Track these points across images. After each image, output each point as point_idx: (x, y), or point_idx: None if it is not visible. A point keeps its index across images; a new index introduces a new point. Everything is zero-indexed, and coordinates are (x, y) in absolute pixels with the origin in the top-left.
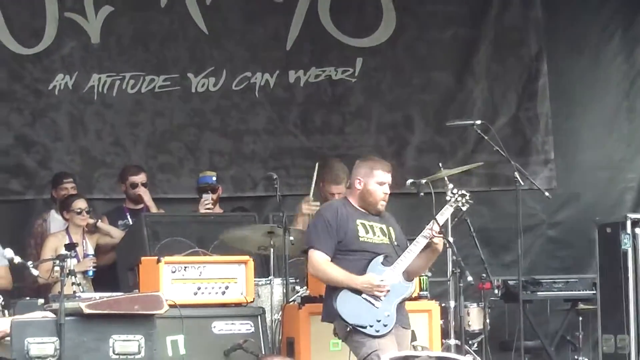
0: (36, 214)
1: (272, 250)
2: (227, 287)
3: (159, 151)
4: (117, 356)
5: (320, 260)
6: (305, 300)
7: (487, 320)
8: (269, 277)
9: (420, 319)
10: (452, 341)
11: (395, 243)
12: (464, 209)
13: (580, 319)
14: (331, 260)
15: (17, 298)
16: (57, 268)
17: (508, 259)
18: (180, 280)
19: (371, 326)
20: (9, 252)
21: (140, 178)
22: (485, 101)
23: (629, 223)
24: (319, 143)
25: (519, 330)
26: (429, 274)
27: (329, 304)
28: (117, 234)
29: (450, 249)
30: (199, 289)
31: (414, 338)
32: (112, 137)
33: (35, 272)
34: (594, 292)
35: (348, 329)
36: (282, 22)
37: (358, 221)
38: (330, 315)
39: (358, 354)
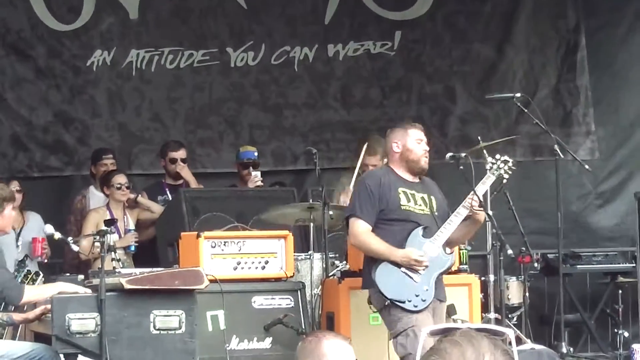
0: (75, 190)
1: (311, 224)
2: (266, 262)
3: (198, 126)
4: (158, 331)
5: (361, 230)
6: (345, 274)
7: (527, 294)
8: (309, 252)
9: (460, 293)
10: (492, 315)
11: (436, 213)
12: (506, 176)
13: (620, 292)
14: (373, 229)
15: (58, 274)
16: (97, 244)
17: (548, 232)
18: (220, 255)
19: (409, 301)
20: (49, 228)
21: (180, 154)
22: (525, 73)
23: None
24: (359, 117)
25: (558, 304)
26: (469, 248)
27: (368, 274)
28: (157, 209)
29: (490, 222)
30: (238, 264)
31: (453, 312)
32: (151, 112)
33: (75, 247)
34: (634, 265)
35: (386, 303)
36: None
37: (400, 189)
38: (368, 284)
39: (393, 328)
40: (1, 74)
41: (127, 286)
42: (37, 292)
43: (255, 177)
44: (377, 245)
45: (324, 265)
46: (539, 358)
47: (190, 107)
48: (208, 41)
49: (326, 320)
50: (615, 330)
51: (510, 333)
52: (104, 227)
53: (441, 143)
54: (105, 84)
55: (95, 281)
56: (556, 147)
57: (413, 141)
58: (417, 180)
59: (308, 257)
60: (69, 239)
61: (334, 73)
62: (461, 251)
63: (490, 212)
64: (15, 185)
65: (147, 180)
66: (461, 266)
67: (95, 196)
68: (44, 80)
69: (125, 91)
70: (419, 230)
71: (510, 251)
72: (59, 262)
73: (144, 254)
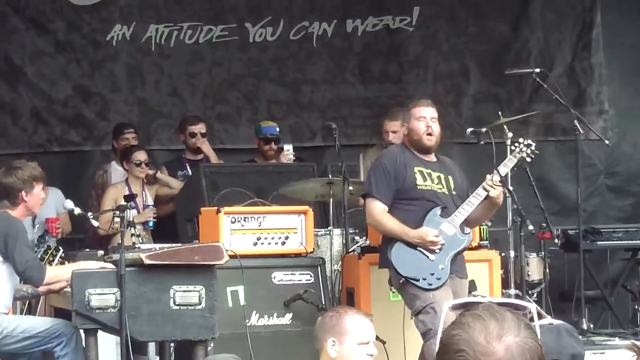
0: (94, 165)
1: (331, 200)
2: (286, 238)
3: (216, 101)
4: (178, 307)
5: (377, 210)
6: (365, 250)
7: (547, 270)
8: (329, 228)
9: (480, 269)
10: (512, 291)
11: (454, 192)
12: (528, 160)
13: None
14: (390, 209)
15: (78, 250)
16: (117, 219)
17: (567, 208)
18: (239, 230)
19: (424, 279)
20: (69, 204)
21: (199, 128)
22: (541, 51)
23: None
24: (377, 92)
25: (578, 280)
26: (489, 224)
27: (384, 253)
28: (176, 184)
29: (510, 198)
30: (258, 239)
31: (474, 288)
32: (170, 87)
33: (95, 223)
34: None
35: (401, 281)
36: None
37: (416, 168)
38: (385, 263)
39: (412, 306)
40: (21, 47)
41: (147, 261)
42: (59, 272)
43: (288, 152)
44: (392, 225)
45: (344, 241)
46: (557, 333)
47: (209, 82)
48: (227, 16)
49: (346, 296)
50: (636, 306)
51: (533, 307)
52: (123, 203)
53: (457, 123)
54: (125, 58)
55: (115, 256)
56: (576, 122)
57: (414, 121)
58: (434, 159)
59: (328, 232)
60: (89, 214)
61: (353, 48)
62: (481, 227)
63: (510, 188)
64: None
65: (166, 155)
66: (481, 242)
67: (116, 171)
68: (63, 55)
69: (145, 66)
70: (436, 210)
71: (531, 227)
72: (79, 238)
73: (163, 230)
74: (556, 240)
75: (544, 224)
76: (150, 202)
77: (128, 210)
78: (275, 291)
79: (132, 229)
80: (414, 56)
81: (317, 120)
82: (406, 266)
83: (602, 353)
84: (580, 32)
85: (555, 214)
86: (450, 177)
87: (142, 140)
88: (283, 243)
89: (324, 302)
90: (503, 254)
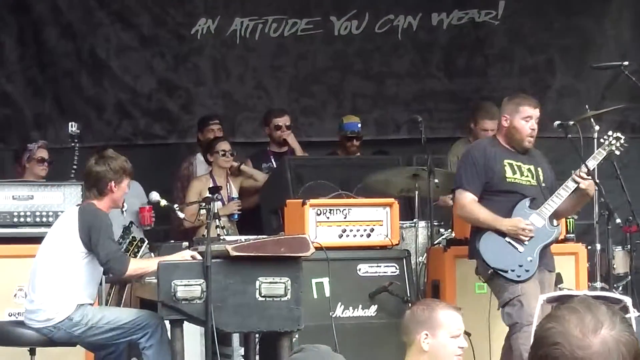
0: (179, 158)
1: (416, 193)
2: (372, 230)
3: (301, 94)
4: (264, 298)
5: (467, 201)
6: (451, 242)
7: (633, 264)
8: (414, 220)
9: (566, 262)
10: (598, 284)
11: (543, 184)
12: (617, 153)
13: None
14: (478, 201)
15: (163, 241)
16: (202, 211)
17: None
18: (325, 222)
19: (512, 270)
20: (155, 195)
21: (284, 120)
22: (617, 46)
23: None
24: (462, 86)
25: None
26: (575, 217)
27: (473, 244)
28: (260, 177)
29: (597, 191)
30: (343, 231)
31: (560, 281)
32: (255, 80)
33: (181, 214)
34: None
35: (490, 272)
36: None
37: (505, 161)
38: (473, 254)
39: (500, 298)
40: (106, 41)
41: (233, 253)
42: (142, 265)
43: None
44: (484, 214)
45: (429, 233)
46: None
47: (294, 75)
48: (312, 10)
49: (431, 289)
50: None
51: (628, 301)
52: (208, 195)
53: (542, 117)
54: (210, 52)
55: (201, 248)
56: None
57: (521, 120)
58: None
59: (413, 225)
60: (175, 206)
61: (438, 41)
62: (568, 220)
63: (597, 181)
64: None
65: (250, 148)
66: (568, 235)
67: (202, 163)
68: (148, 48)
69: (229, 59)
70: (525, 202)
71: (618, 220)
72: (164, 229)
73: (247, 222)
74: None
75: (630, 217)
76: (235, 194)
77: (213, 203)
78: (360, 283)
79: (217, 221)
80: (499, 50)
81: (402, 113)
82: (495, 257)
83: None
84: None
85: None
86: (539, 169)
87: (227, 133)
88: (368, 235)
89: (409, 295)
90: (589, 247)
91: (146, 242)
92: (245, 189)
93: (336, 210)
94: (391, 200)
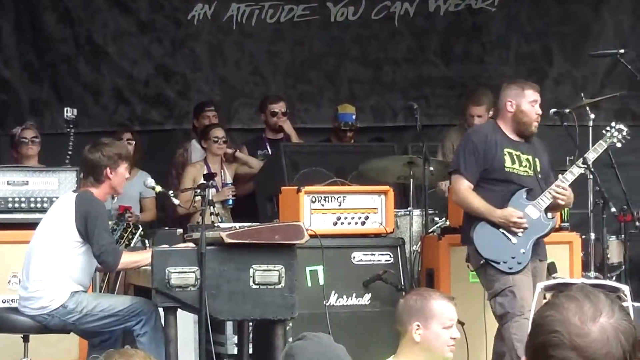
0: (175, 144)
1: (411, 180)
2: (366, 218)
3: (298, 80)
4: (258, 286)
5: (463, 187)
6: (445, 231)
7: (627, 253)
8: (408, 208)
9: (561, 251)
10: (592, 274)
11: (540, 175)
12: (618, 145)
13: None
14: (475, 188)
15: (157, 228)
16: (197, 198)
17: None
18: (320, 210)
19: (505, 262)
20: (150, 181)
21: (280, 106)
22: (616, 34)
23: None
24: (459, 72)
25: None
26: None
27: (467, 231)
28: (255, 163)
29: (592, 180)
30: (338, 219)
31: (554, 270)
32: (251, 66)
33: (176, 201)
34: None
35: (482, 262)
36: None
37: (506, 150)
38: (467, 240)
39: (490, 288)
40: (103, 27)
41: (228, 240)
42: (134, 258)
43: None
44: (478, 203)
45: (424, 222)
46: (638, 315)
47: (290, 61)
48: None
49: (426, 277)
50: None
51: (626, 289)
52: (203, 181)
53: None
54: (206, 37)
55: (195, 235)
56: None
57: (528, 103)
58: (523, 139)
59: (407, 213)
60: (170, 192)
61: (435, 28)
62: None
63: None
64: (127, 136)
65: (246, 134)
66: (562, 224)
67: (197, 150)
68: (145, 34)
69: (226, 45)
70: (522, 193)
71: (613, 209)
72: (159, 215)
73: (242, 209)
74: (637, 223)
75: (625, 207)
76: (229, 180)
77: (208, 189)
78: (354, 271)
79: (212, 207)
80: (496, 37)
81: (399, 100)
82: (488, 247)
83: None
84: None
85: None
86: (537, 160)
87: (223, 120)
88: (363, 223)
89: (403, 283)
90: (583, 236)
91: (140, 228)
92: (240, 175)
93: (331, 197)
94: (386, 187)
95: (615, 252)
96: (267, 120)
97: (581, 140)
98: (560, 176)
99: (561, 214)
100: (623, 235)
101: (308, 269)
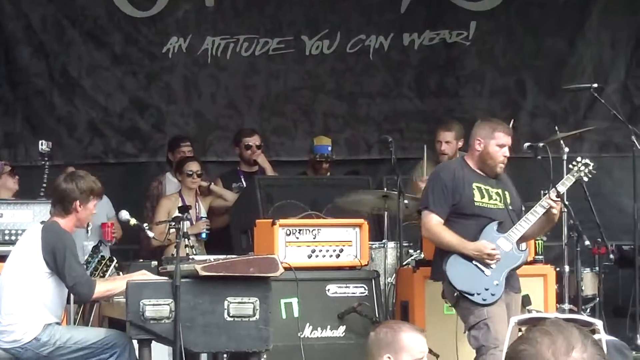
0: (150, 176)
1: (386, 213)
2: (341, 250)
3: (272, 114)
4: (232, 318)
5: (433, 223)
6: (420, 263)
7: (601, 286)
8: (383, 241)
9: (535, 283)
10: (567, 306)
11: (510, 208)
12: (585, 179)
13: None
14: (446, 223)
15: (132, 260)
16: (172, 230)
17: (621, 224)
18: (294, 243)
19: (479, 294)
20: (124, 214)
21: (254, 140)
22: (595, 67)
23: None
24: (433, 106)
25: (633, 295)
26: (544, 238)
27: (439, 265)
28: (230, 196)
29: (566, 213)
30: (313, 251)
31: (528, 302)
32: (226, 99)
33: (150, 233)
34: None
35: (455, 294)
36: None
37: (474, 184)
38: (439, 275)
39: (466, 321)
40: (78, 60)
41: (203, 273)
42: (109, 286)
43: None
44: (450, 237)
45: (398, 254)
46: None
47: (265, 94)
48: (283, 29)
49: (400, 309)
50: None
51: (599, 323)
52: (178, 214)
53: (514, 137)
54: (181, 70)
55: (170, 267)
56: (633, 138)
57: (495, 146)
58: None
59: (382, 245)
60: (144, 225)
61: (409, 62)
62: (537, 241)
63: (566, 203)
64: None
65: (221, 167)
66: (537, 257)
67: (171, 182)
68: (120, 67)
69: (201, 78)
70: (493, 225)
71: (587, 242)
72: (134, 248)
73: (216, 241)
74: (611, 256)
75: (599, 239)
76: (204, 213)
77: (183, 222)
78: (329, 304)
79: (187, 240)
80: (471, 71)
81: (373, 134)
82: (461, 280)
83: None
84: (634, 49)
85: (607, 230)
86: (507, 193)
87: (198, 152)
88: (338, 256)
89: (378, 315)
90: (558, 269)
91: (115, 260)
92: (215, 208)
93: (306, 230)
94: (361, 220)
95: (589, 284)
96: (241, 153)
97: (556, 173)
98: (533, 209)
99: (535, 247)
100: (597, 268)
101: (283, 301)
